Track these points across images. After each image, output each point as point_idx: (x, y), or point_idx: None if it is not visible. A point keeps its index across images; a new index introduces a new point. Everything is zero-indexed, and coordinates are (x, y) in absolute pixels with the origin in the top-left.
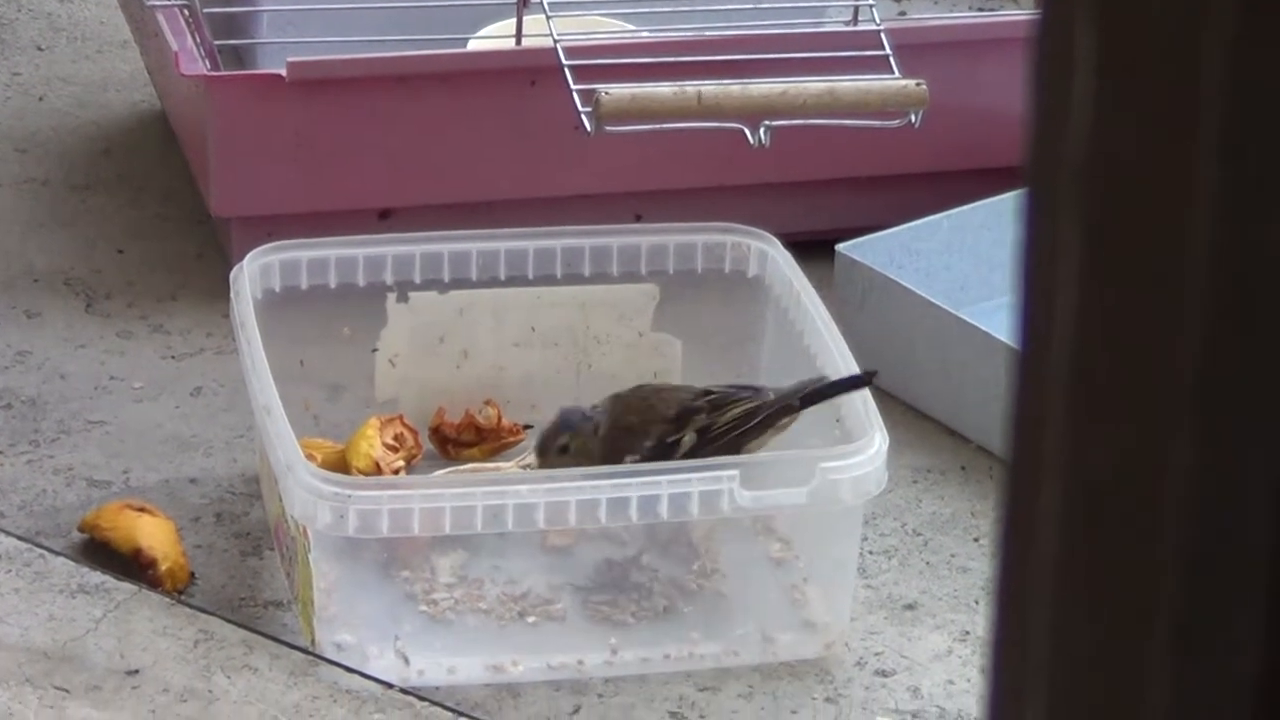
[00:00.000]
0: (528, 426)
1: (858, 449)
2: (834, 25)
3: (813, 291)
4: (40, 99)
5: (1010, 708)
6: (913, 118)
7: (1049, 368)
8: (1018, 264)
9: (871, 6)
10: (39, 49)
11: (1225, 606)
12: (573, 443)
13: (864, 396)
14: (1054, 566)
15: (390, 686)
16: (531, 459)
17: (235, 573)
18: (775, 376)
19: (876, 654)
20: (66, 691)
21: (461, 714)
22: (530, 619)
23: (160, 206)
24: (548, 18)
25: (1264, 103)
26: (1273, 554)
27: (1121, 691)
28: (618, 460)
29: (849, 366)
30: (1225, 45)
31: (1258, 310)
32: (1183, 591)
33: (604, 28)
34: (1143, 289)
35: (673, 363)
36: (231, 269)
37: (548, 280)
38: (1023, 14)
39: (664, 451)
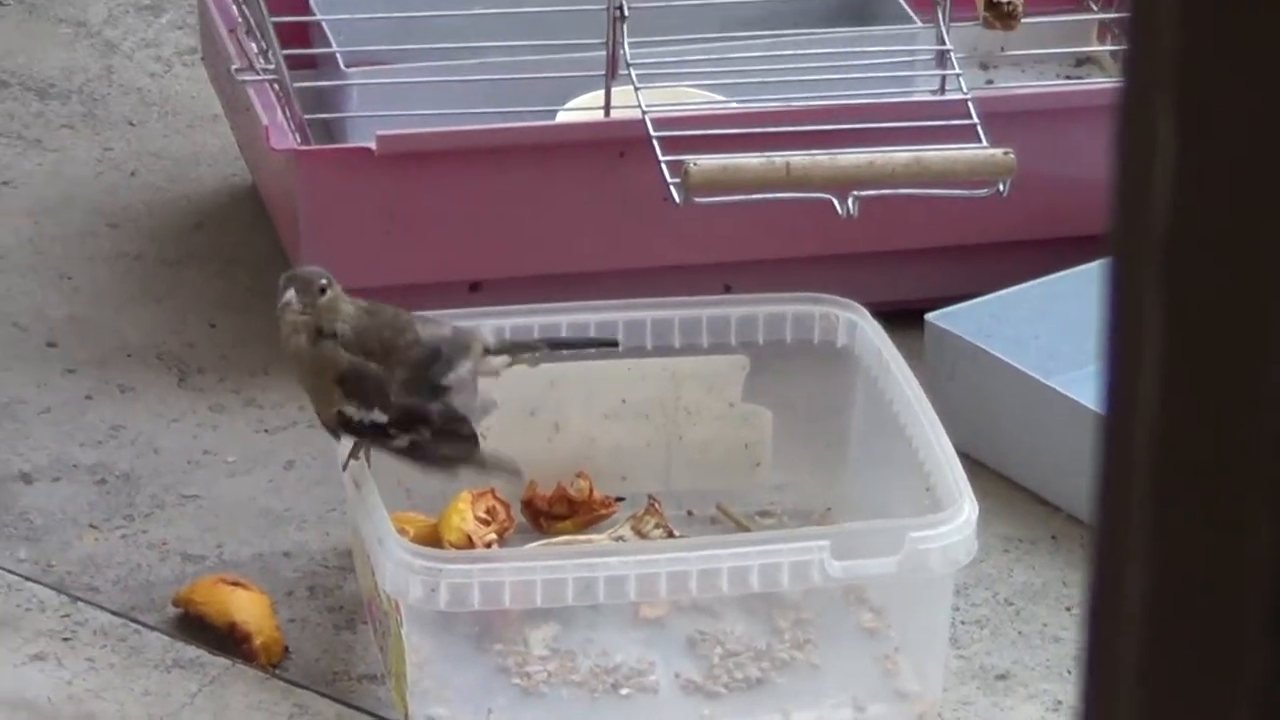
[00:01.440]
0: (620, 499)
1: (947, 518)
2: (921, 94)
3: (902, 361)
4: (132, 174)
5: None
6: (1001, 186)
7: (1133, 439)
8: (1102, 335)
9: (958, 75)
10: (130, 124)
11: None
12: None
13: (953, 465)
14: (1141, 641)
15: None
16: (624, 531)
17: (329, 647)
18: (866, 446)
19: None
20: None
21: None
22: (623, 691)
23: (252, 280)
24: (636, 89)
25: None
26: None
27: None
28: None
29: (939, 437)
30: None
31: None
32: (1270, 672)
33: (692, 98)
34: (1226, 361)
35: (763, 433)
36: None
37: (638, 352)
38: (1110, 82)
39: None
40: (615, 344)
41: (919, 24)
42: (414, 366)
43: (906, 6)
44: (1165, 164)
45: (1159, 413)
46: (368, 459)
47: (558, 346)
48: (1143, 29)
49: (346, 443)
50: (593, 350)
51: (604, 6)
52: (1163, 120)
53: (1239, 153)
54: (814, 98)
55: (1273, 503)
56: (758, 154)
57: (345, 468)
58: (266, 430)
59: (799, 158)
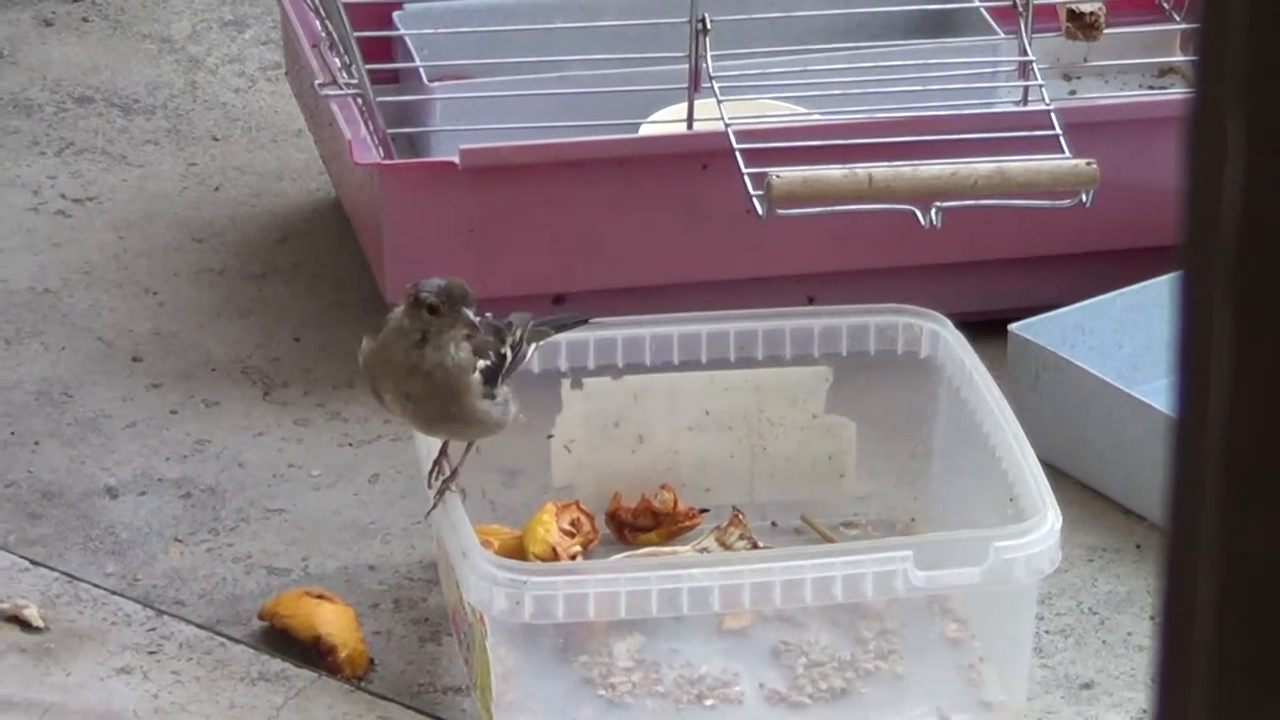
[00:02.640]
0: (704, 510)
1: (1031, 528)
2: (1004, 105)
3: (985, 372)
4: (216, 189)
5: None
6: (1084, 197)
7: (1204, 448)
8: (1174, 344)
9: (1041, 86)
10: (215, 139)
11: None
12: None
13: (1036, 475)
14: (1212, 650)
15: None
16: (709, 542)
17: (414, 659)
18: (949, 457)
19: None
20: None
21: None
22: (708, 702)
23: (336, 294)
24: (719, 102)
25: None
26: None
27: None
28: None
29: (1022, 447)
30: None
31: None
32: None
33: (775, 111)
34: None
35: (846, 444)
36: None
37: (721, 364)
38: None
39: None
40: (587, 320)
41: (1001, 35)
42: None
43: (989, 18)
44: (1236, 175)
45: (1228, 423)
46: (455, 475)
47: (541, 329)
48: (1212, 39)
49: (431, 456)
50: (675, 362)
51: (686, 20)
52: (1233, 130)
53: None
54: (896, 109)
55: None
56: (840, 166)
57: (430, 484)
58: (351, 444)
59: (882, 169)
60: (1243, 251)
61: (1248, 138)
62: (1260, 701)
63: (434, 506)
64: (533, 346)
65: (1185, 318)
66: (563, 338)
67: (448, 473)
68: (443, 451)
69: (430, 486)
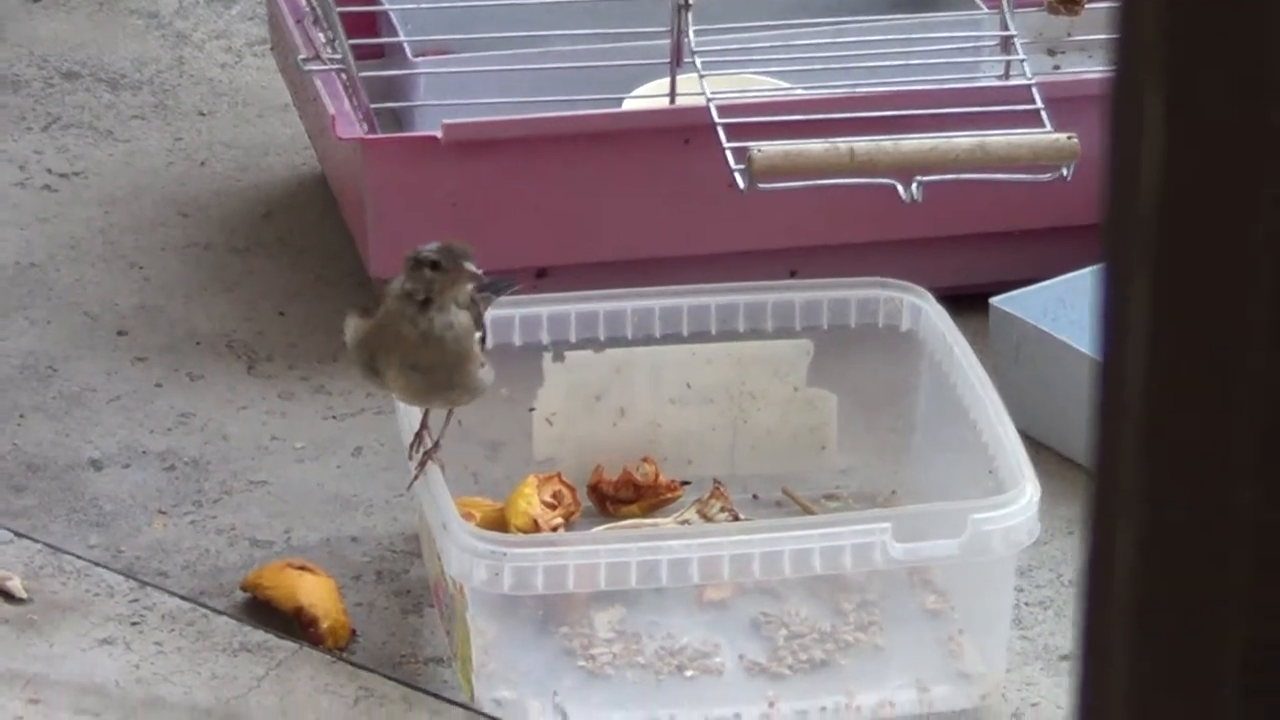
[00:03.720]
0: (685, 483)
1: (1010, 500)
2: (986, 80)
3: (966, 345)
4: (202, 164)
5: None
6: (1064, 171)
7: (1124, 406)
8: (1096, 312)
9: (1023, 61)
10: (201, 114)
11: None
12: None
13: (1016, 447)
14: (1130, 607)
15: None
16: (690, 515)
17: (396, 630)
18: (930, 430)
19: (1033, 705)
20: None
21: None
22: (688, 673)
23: (321, 268)
24: (701, 77)
25: None
26: None
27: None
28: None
29: (1002, 420)
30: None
31: None
32: (1250, 641)
33: (757, 85)
34: (1207, 338)
35: (828, 417)
36: None
37: (703, 337)
38: None
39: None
40: (516, 282)
41: (984, 10)
42: None
43: None
44: (1154, 147)
45: (1145, 386)
46: (436, 446)
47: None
48: (1131, 16)
49: (412, 428)
50: (656, 336)
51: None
52: (1151, 105)
53: (1224, 134)
54: (878, 84)
55: (1251, 471)
56: (822, 140)
57: (411, 456)
58: (335, 417)
59: (863, 143)
60: (1160, 219)
61: (1165, 111)
62: (1173, 658)
63: (415, 478)
64: (489, 314)
65: (1107, 284)
66: (544, 311)
67: (429, 444)
68: (423, 424)
69: (411, 459)
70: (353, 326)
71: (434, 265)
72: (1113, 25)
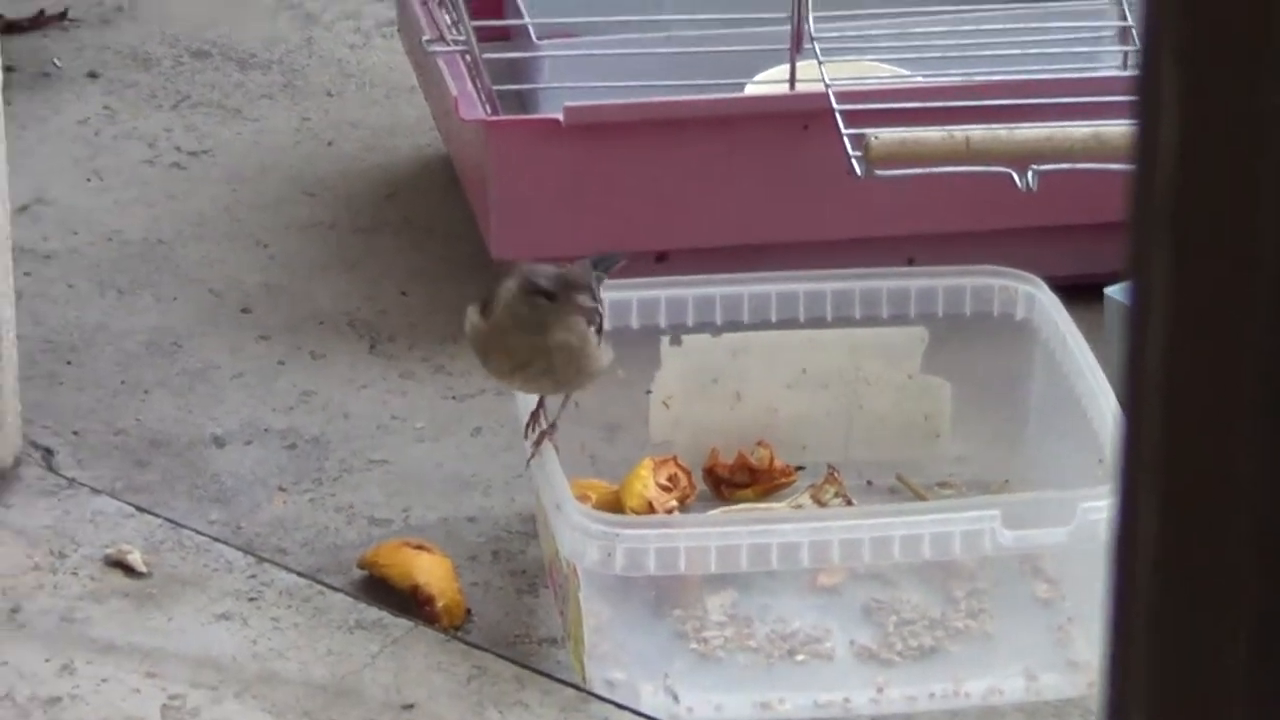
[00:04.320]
0: (800, 468)
1: None
2: (1105, 70)
3: (1079, 335)
4: (329, 144)
5: (1120, 697)
6: None
7: (1147, 373)
8: (1126, 281)
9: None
10: (328, 94)
11: None
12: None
13: None
14: (1154, 580)
15: None
16: (804, 500)
17: (510, 610)
18: (1043, 419)
19: None
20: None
21: None
22: (799, 657)
23: (443, 249)
24: (820, 63)
25: None
26: None
27: (1209, 683)
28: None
29: (1115, 410)
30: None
31: None
32: (1262, 606)
33: (875, 73)
34: (1222, 308)
35: (942, 405)
36: None
37: (818, 323)
38: None
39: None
40: (622, 258)
41: (1104, 0)
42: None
43: None
44: (1171, 135)
45: (1168, 349)
46: (553, 428)
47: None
48: (1155, 16)
49: (529, 409)
50: (773, 320)
51: None
52: (1168, 96)
53: (1235, 123)
54: (996, 72)
55: (1256, 434)
56: (939, 128)
57: (527, 435)
58: (454, 397)
59: (979, 132)
60: (1178, 200)
61: (1180, 103)
62: (1190, 620)
63: (531, 457)
64: (606, 295)
65: (1133, 260)
66: (662, 294)
67: (545, 425)
68: (540, 404)
69: (527, 439)
70: (470, 326)
71: (549, 296)
72: (1141, 25)
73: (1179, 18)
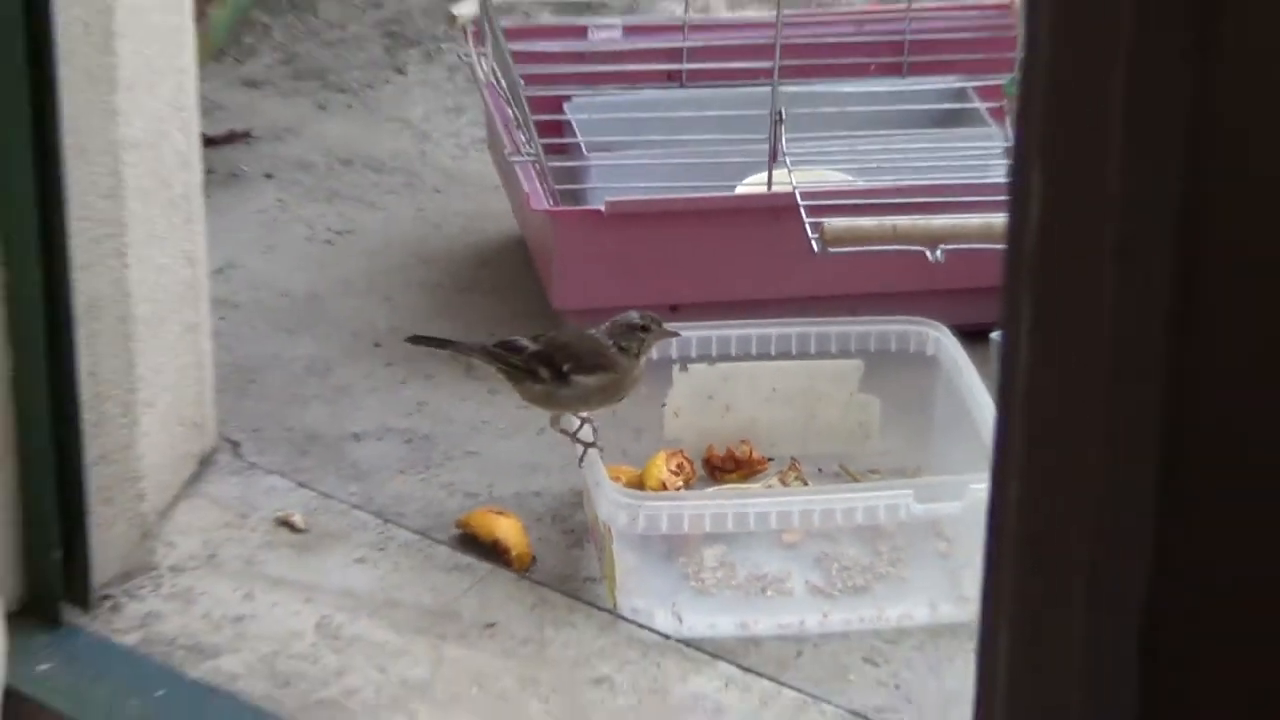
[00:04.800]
0: (771, 459)
1: None
2: (993, 177)
3: (972, 366)
4: (437, 226)
5: (991, 619)
6: None
7: (1014, 393)
8: (1000, 319)
9: None
10: (437, 191)
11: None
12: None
13: None
14: (1015, 531)
15: (668, 638)
16: (774, 482)
17: (563, 558)
18: (945, 426)
19: None
20: (444, 638)
21: (717, 656)
22: (768, 592)
23: (517, 303)
24: (789, 171)
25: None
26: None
27: (1053, 610)
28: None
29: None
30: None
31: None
32: (1091, 553)
33: (829, 178)
34: (1073, 342)
35: (873, 415)
36: None
37: (785, 356)
38: None
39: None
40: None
41: (994, 127)
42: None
43: (985, 115)
44: (1035, 211)
45: (1029, 372)
46: (595, 432)
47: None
48: (1024, 119)
49: (575, 423)
50: (753, 354)
51: (768, 112)
52: (1036, 180)
53: (1082, 207)
54: (916, 179)
55: (1091, 438)
56: (874, 218)
57: (574, 436)
58: (525, 407)
59: (904, 221)
60: (1039, 265)
61: (1042, 192)
62: (1040, 562)
63: (582, 457)
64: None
65: (1005, 312)
66: (673, 339)
67: (592, 438)
68: (585, 420)
69: (575, 441)
70: (598, 381)
71: (645, 329)
72: (1014, 124)
73: (1041, 131)
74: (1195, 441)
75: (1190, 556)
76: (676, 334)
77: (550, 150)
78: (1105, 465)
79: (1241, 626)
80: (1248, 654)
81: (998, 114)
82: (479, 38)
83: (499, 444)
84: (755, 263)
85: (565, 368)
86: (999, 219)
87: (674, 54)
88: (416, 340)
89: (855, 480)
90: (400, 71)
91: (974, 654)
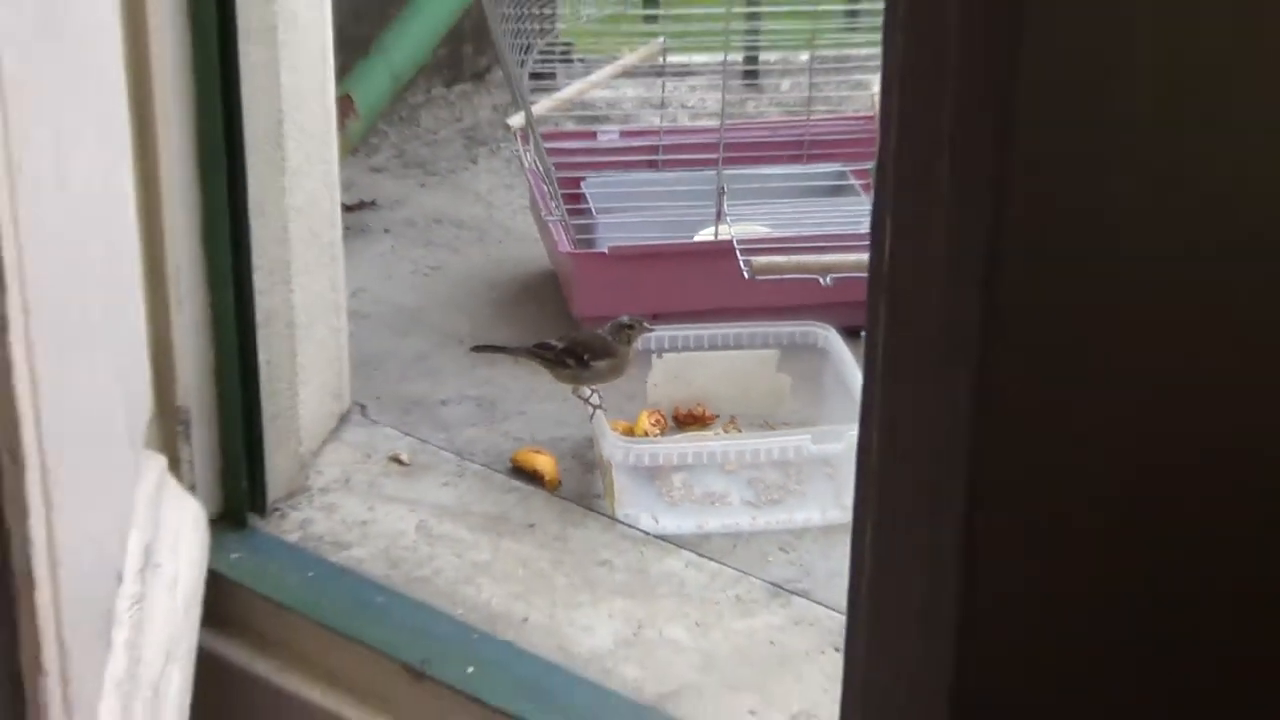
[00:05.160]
0: (717, 417)
1: None
2: (864, 229)
3: (850, 355)
4: (498, 264)
5: (861, 523)
6: None
7: (875, 371)
8: (866, 324)
9: None
10: (498, 241)
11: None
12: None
13: None
14: (874, 464)
15: (648, 534)
16: (719, 430)
17: (580, 482)
18: (833, 395)
19: None
20: (500, 534)
21: (681, 547)
22: (715, 505)
23: (551, 313)
24: (729, 225)
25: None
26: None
27: (904, 516)
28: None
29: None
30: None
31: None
32: (930, 483)
33: (756, 231)
34: (909, 338)
35: (785, 388)
36: None
37: (727, 348)
38: None
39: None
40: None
41: (863, 196)
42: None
43: (858, 188)
44: (886, 245)
45: (883, 360)
46: (601, 399)
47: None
48: (881, 193)
49: (587, 391)
50: (706, 347)
51: (715, 187)
52: (889, 223)
53: (922, 241)
54: (814, 230)
55: (930, 396)
56: (786, 257)
57: (588, 400)
58: (555, 384)
59: (805, 258)
60: (891, 279)
61: (892, 230)
62: (890, 487)
63: (592, 415)
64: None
65: (869, 316)
66: (654, 334)
67: (597, 403)
68: (594, 391)
69: (587, 403)
70: (607, 365)
71: (631, 328)
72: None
73: (892, 198)
74: (996, 406)
75: (999, 477)
76: (653, 330)
77: (571, 213)
78: (930, 417)
79: (1043, 516)
80: (1049, 540)
81: (865, 188)
82: (525, 139)
83: (538, 406)
84: (707, 286)
85: (585, 357)
86: (865, 256)
87: (654, 149)
88: (478, 349)
89: (773, 430)
90: (474, 161)
91: (850, 544)
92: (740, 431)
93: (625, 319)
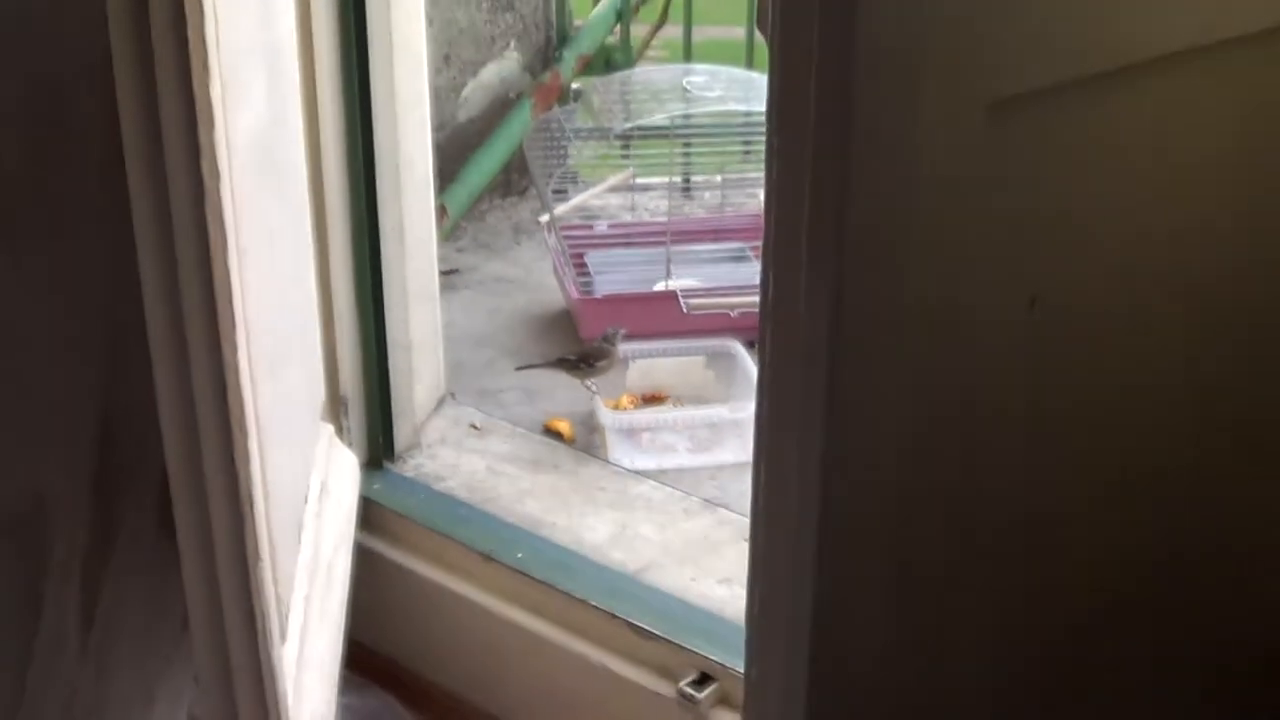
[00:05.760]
0: (669, 398)
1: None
2: (756, 281)
3: (751, 360)
4: (537, 304)
5: (757, 465)
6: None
7: (765, 372)
8: (758, 339)
9: None
10: (535, 291)
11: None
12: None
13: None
14: (766, 414)
15: (629, 470)
16: (672, 407)
17: (588, 439)
18: (739, 385)
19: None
20: (538, 472)
21: (648, 478)
22: (670, 451)
23: (566, 336)
24: (674, 281)
25: None
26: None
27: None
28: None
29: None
30: None
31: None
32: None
33: (691, 283)
34: (792, 343)
35: (710, 380)
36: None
37: (674, 355)
38: None
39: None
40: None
41: (756, 262)
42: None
43: (753, 257)
44: (770, 294)
45: (769, 363)
46: (598, 387)
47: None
48: (765, 258)
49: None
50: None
51: (665, 258)
52: (770, 281)
53: (783, 287)
54: (726, 284)
55: (799, 386)
56: (711, 298)
57: (591, 388)
58: (571, 380)
59: (722, 299)
60: (770, 314)
61: (773, 282)
62: (775, 436)
63: (594, 396)
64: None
65: (760, 332)
66: (629, 346)
67: (595, 388)
68: (594, 381)
69: (590, 389)
70: (600, 366)
71: (612, 339)
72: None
73: (773, 263)
74: (840, 386)
75: (844, 432)
76: (628, 337)
77: (579, 273)
78: (798, 394)
79: (876, 441)
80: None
81: (757, 256)
82: (550, 229)
83: (561, 393)
84: (661, 317)
85: (590, 362)
86: (757, 298)
87: (629, 234)
88: (521, 368)
89: (704, 404)
90: (518, 243)
91: (750, 474)
92: (683, 405)
93: (610, 331)
